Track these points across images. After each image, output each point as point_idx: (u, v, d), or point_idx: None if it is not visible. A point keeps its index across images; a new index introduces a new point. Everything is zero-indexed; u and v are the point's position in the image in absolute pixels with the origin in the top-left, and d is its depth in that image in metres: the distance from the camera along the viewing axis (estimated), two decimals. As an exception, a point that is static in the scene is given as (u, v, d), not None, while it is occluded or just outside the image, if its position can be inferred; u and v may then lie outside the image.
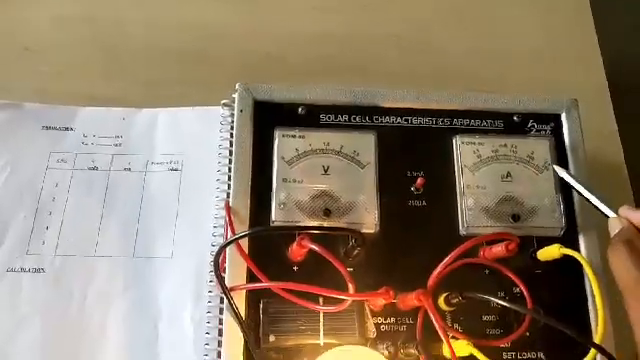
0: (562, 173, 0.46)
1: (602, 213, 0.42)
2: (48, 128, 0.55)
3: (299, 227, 0.42)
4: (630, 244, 0.38)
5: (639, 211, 0.41)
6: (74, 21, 0.63)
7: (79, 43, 0.62)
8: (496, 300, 0.37)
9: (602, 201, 0.43)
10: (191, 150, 0.55)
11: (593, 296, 0.43)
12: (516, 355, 0.42)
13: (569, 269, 0.44)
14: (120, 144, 0.55)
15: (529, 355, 0.42)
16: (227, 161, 0.51)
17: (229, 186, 0.49)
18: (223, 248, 0.39)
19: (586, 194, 0.44)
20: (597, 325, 0.37)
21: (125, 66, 0.61)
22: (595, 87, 0.65)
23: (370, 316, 0.42)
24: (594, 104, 0.61)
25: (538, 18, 0.70)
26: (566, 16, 0.71)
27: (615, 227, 0.41)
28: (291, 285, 0.38)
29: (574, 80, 0.65)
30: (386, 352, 0.40)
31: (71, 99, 0.57)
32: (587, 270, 0.39)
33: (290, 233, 0.43)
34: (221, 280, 0.40)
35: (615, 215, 0.42)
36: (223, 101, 0.53)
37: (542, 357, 0.42)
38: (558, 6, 0.71)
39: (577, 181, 0.45)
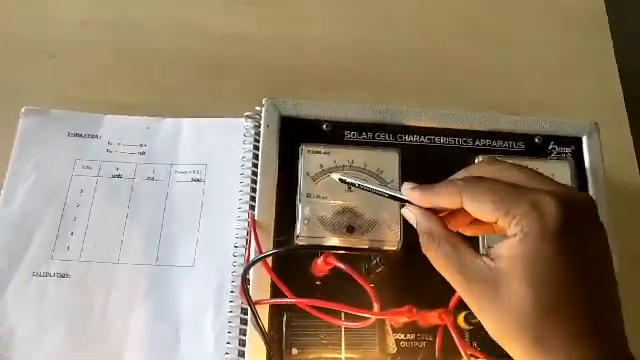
0: (336, 177, 0.43)
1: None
2: (74, 135, 0.56)
3: (326, 247, 0.43)
4: (432, 234, 0.35)
5: (418, 190, 0.37)
6: (99, 29, 0.64)
7: (103, 50, 0.63)
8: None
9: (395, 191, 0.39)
10: (214, 161, 0.56)
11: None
12: (534, 374, 0.43)
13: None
14: (144, 152, 0.56)
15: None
16: (250, 173, 0.51)
17: (252, 198, 0.50)
18: (251, 265, 0.40)
19: (378, 188, 0.40)
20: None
21: (147, 75, 0.62)
22: (611, 103, 0.66)
23: (391, 332, 0.43)
24: (610, 120, 0.62)
25: (554, 34, 0.71)
26: (583, 32, 0.71)
27: (409, 217, 0.38)
28: (317, 302, 0.39)
29: (590, 96, 0.66)
30: (408, 370, 0.41)
31: (93, 106, 0.58)
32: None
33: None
34: (247, 294, 0.41)
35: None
36: (246, 113, 0.54)
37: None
38: (575, 22, 0.72)
39: (362, 179, 0.42)
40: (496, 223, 0.33)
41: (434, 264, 0.35)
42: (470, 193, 0.34)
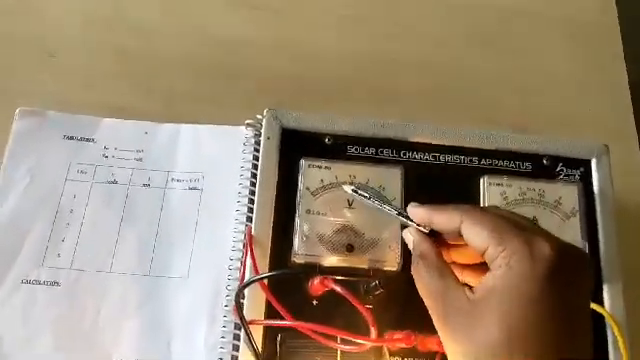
0: (349, 189, 0.44)
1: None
2: (70, 138, 0.55)
3: (323, 270, 0.42)
4: (424, 257, 0.37)
5: (421, 208, 0.40)
6: (101, 30, 0.63)
7: (104, 52, 0.61)
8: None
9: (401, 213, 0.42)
10: (211, 169, 0.55)
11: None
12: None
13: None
14: (141, 159, 0.55)
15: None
16: (248, 183, 0.50)
17: (250, 209, 0.48)
18: (245, 287, 0.39)
19: (387, 206, 0.43)
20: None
21: (149, 79, 0.61)
22: (622, 121, 0.65)
23: (387, 355, 0.42)
24: (620, 139, 0.61)
25: (566, 50, 0.69)
26: (595, 49, 0.70)
27: (408, 240, 0.41)
28: (313, 327, 0.38)
29: (600, 114, 0.65)
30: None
31: (92, 108, 0.57)
32: (612, 324, 0.39)
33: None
34: (242, 315, 0.39)
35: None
36: (247, 121, 0.53)
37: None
38: (587, 38, 0.70)
39: (373, 195, 0.44)
40: (485, 252, 0.34)
41: (418, 285, 0.37)
42: (472, 217, 0.35)
